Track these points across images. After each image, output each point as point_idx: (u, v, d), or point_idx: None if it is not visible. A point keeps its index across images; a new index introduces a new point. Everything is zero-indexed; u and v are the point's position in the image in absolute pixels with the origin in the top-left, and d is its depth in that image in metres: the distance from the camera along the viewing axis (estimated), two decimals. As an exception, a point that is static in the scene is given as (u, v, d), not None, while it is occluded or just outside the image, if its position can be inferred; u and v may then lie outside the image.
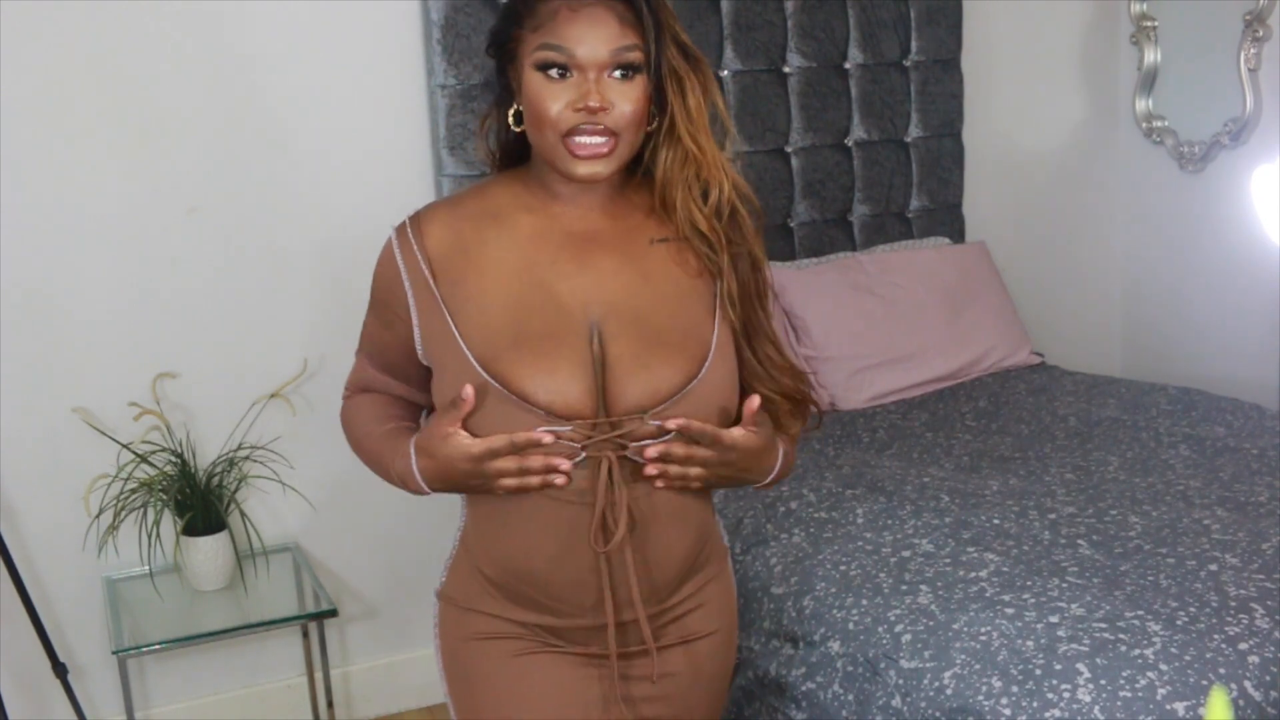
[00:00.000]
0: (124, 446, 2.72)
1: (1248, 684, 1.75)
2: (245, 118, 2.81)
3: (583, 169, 1.48)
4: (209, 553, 2.72)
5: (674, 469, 1.49)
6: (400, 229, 1.58)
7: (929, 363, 3.16)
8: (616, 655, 1.55)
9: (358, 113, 2.91)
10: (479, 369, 1.48)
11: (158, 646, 2.62)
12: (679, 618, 1.62)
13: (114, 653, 2.56)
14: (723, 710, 1.77)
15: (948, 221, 3.56)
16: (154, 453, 2.73)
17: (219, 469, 2.77)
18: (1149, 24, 3.61)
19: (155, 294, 2.79)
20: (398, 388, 1.67)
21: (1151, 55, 3.62)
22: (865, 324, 3.13)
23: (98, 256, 2.74)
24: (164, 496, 2.70)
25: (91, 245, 2.73)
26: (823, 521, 2.31)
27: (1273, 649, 1.80)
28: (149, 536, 2.66)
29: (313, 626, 2.84)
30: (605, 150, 1.47)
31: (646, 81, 1.48)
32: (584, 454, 1.47)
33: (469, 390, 1.45)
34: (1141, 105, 3.68)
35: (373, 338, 1.68)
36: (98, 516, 2.71)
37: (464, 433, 1.47)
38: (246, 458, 2.83)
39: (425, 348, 1.56)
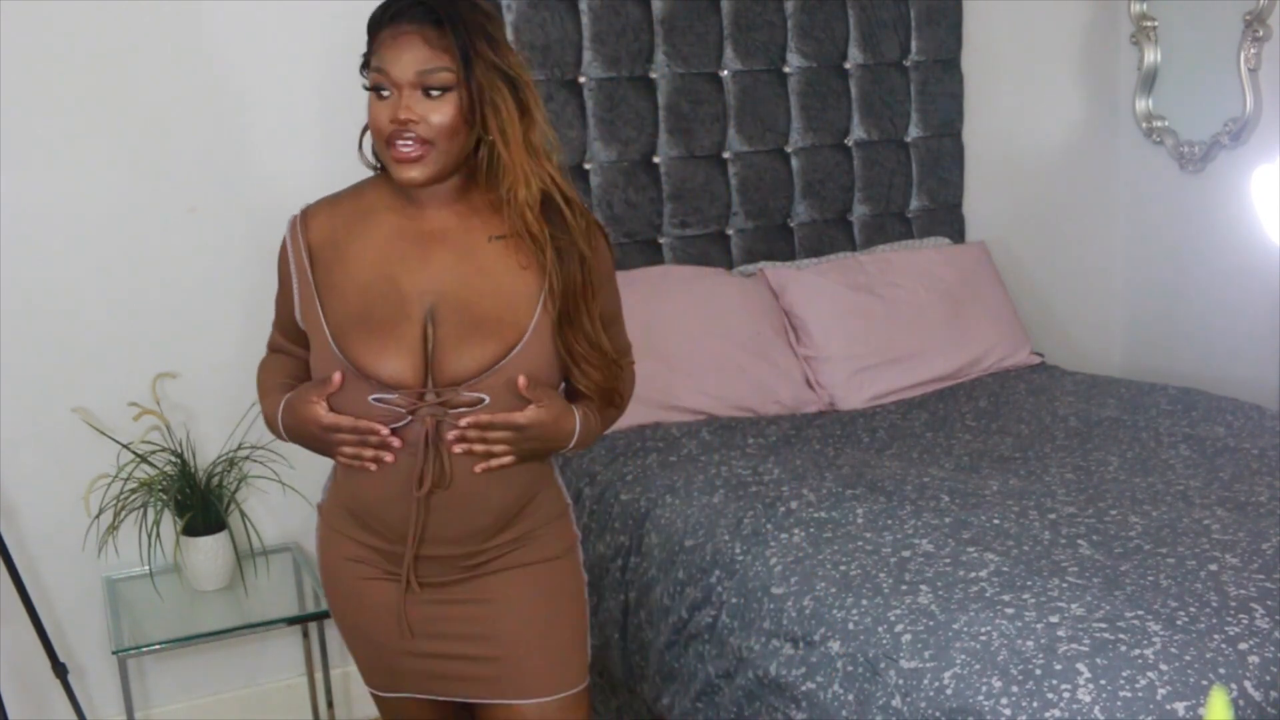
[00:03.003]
0: (124, 446, 2.72)
1: (1248, 684, 1.75)
2: (245, 118, 2.81)
3: (401, 172, 1.73)
4: (209, 553, 2.72)
5: (478, 446, 1.76)
6: (293, 220, 1.87)
7: (929, 363, 3.16)
8: (425, 583, 1.85)
9: (358, 113, 2.89)
10: (333, 346, 1.77)
11: (158, 646, 2.62)
12: (500, 556, 1.87)
13: (114, 653, 2.56)
14: (577, 650, 1.96)
15: (948, 221, 3.56)
16: (154, 453, 2.73)
17: (219, 469, 2.77)
18: (1149, 24, 3.61)
19: (155, 294, 2.79)
20: (295, 350, 1.93)
21: (1151, 55, 3.62)
22: (865, 324, 3.13)
23: (98, 256, 2.74)
24: (164, 496, 2.70)
25: (92, 245, 2.73)
26: (823, 521, 2.31)
27: (1273, 649, 1.80)
28: (149, 536, 2.66)
29: (313, 626, 2.84)
30: (415, 155, 1.71)
31: (459, 98, 1.70)
32: (410, 418, 1.75)
33: (337, 376, 1.75)
34: (1141, 105, 3.68)
35: (277, 307, 1.94)
36: (98, 516, 2.71)
37: (323, 405, 1.77)
38: (246, 458, 2.83)
39: (302, 321, 1.84)
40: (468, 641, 1.89)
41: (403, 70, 1.70)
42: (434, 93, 1.69)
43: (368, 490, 1.82)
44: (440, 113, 1.70)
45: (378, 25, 1.75)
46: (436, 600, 1.87)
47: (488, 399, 1.75)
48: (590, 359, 1.81)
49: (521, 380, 1.74)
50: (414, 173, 1.72)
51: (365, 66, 1.79)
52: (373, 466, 1.78)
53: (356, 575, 1.90)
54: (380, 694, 2.00)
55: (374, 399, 1.75)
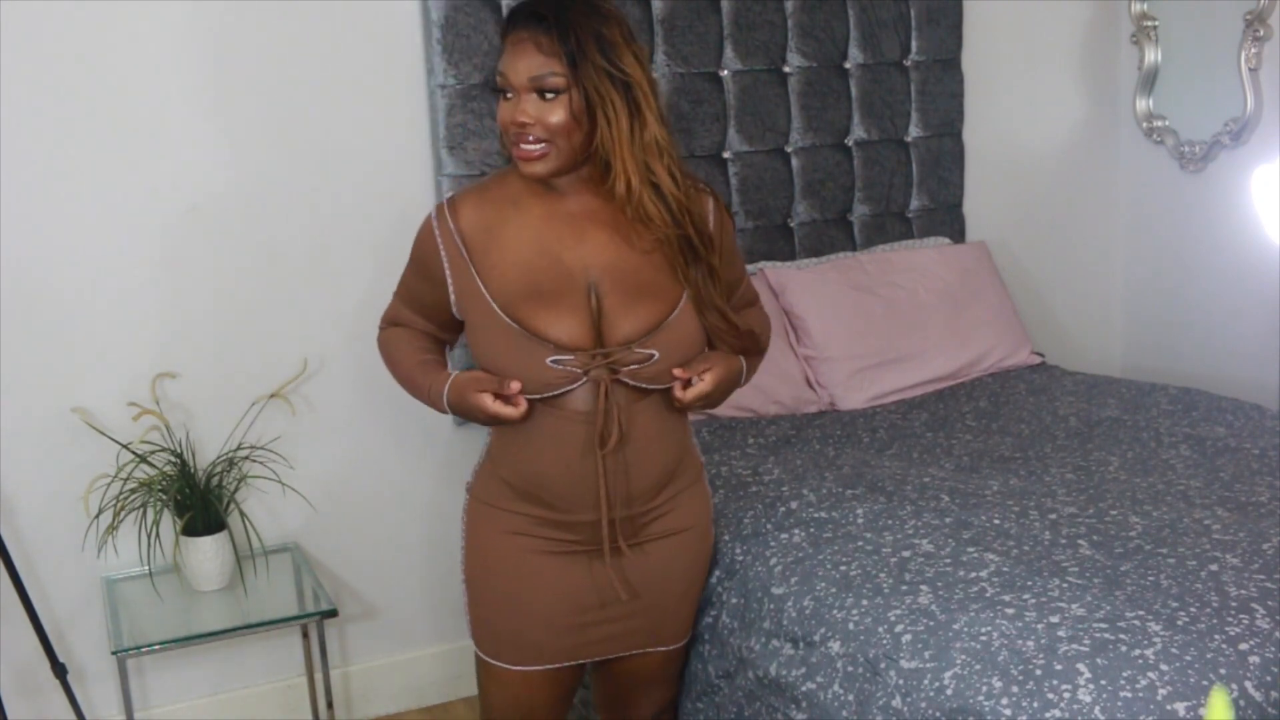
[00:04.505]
0: (123, 446, 2.72)
1: (1248, 684, 1.75)
2: (245, 117, 2.81)
3: (525, 168, 1.89)
4: (208, 553, 2.72)
5: (689, 395, 1.95)
6: (439, 209, 1.99)
7: (929, 363, 3.16)
8: (610, 547, 1.98)
9: (358, 112, 2.91)
10: (502, 315, 1.91)
11: (157, 647, 2.61)
12: (660, 517, 2.03)
13: (113, 653, 2.56)
14: (697, 604, 2.21)
15: (948, 221, 3.56)
16: (153, 453, 2.73)
17: (218, 469, 2.77)
18: (1149, 24, 3.61)
19: (155, 294, 2.79)
20: (424, 325, 2.10)
21: (1152, 55, 3.62)
22: (865, 324, 3.12)
23: (98, 256, 2.74)
24: (163, 496, 2.70)
25: (91, 245, 2.73)
26: (823, 521, 2.31)
27: (1273, 649, 1.80)
28: (148, 536, 2.66)
29: (312, 626, 2.84)
30: (537, 154, 1.87)
31: (570, 99, 1.83)
32: (585, 378, 1.90)
33: (516, 386, 1.88)
34: (1142, 105, 3.68)
35: (409, 286, 2.10)
36: (97, 517, 2.71)
37: (489, 396, 1.90)
38: (246, 458, 2.83)
39: (458, 305, 1.98)
40: (627, 604, 2.03)
41: (518, 75, 1.84)
42: (548, 95, 1.83)
43: (537, 460, 1.95)
44: (554, 114, 1.83)
45: (503, 31, 1.89)
46: (595, 570, 2.00)
47: (657, 354, 1.92)
48: (722, 333, 1.99)
49: (677, 372, 1.93)
50: (536, 168, 1.88)
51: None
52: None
53: (520, 549, 2.00)
54: (512, 668, 2.07)
55: (551, 361, 1.89)
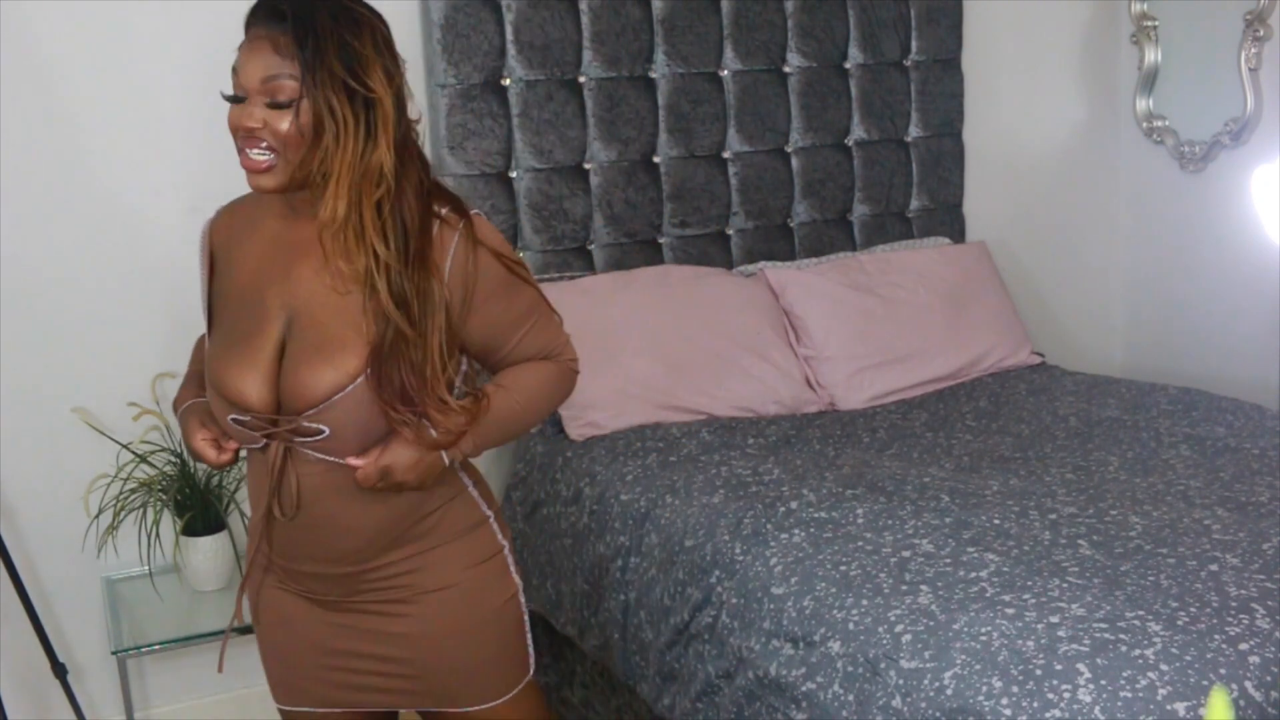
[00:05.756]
0: (124, 446, 2.72)
1: (1248, 684, 1.75)
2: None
3: (251, 180, 1.67)
4: (208, 553, 2.72)
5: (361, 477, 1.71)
6: (208, 221, 1.85)
7: (929, 363, 3.16)
8: (320, 600, 1.83)
9: (357, 112, 2.90)
10: (210, 358, 1.76)
11: (157, 647, 2.62)
12: (397, 575, 1.81)
13: (113, 653, 2.56)
14: (505, 663, 1.92)
15: (948, 221, 3.56)
16: (153, 453, 2.73)
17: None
18: (1149, 24, 3.61)
19: (155, 294, 2.79)
20: None
21: (1152, 55, 3.62)
22: (865, 324, 3.12)
23: (98, 256, 2.74)
24: (163, 496, 2.70)
25: (92, 245, 2.73)
26: (823, 521, 2.31)
27: (1273, 649, 1.80)
28: (148, 536, 2.66)
29: (312, 627, 2.83)
30: (264, 165, 1.65)
31: (299, 109, 1.61)
32: (264, 441, 1.72)
33: (233, 446, 1.78)
34: (1142, 105, 3.68)
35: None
36: (97, 516, 2.71)
37: (204, 433, 1.79)
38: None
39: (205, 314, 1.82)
40: (380, 661, 1.85)
41: (249, 76, 1.64)
42: (280, 101, 1.62)
43: (254, 506, 1.83)
44: (282, 122, 1.62)
45: (245, 26, 1.68)
46: (340, 619, 1.84)
47: (327, 431, 1.68)
48: (409, 400, 1.66)
49: (356, 468, 1.69)
50: (263, 180, 1.66)
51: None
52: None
53: (267, 584, 1.88)
54: (284, 706, 1.96)
55: (232, 419, 1.72)
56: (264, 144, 1.64)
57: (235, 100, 1.66)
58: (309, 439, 1.69)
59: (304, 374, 1.67)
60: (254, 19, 1.66)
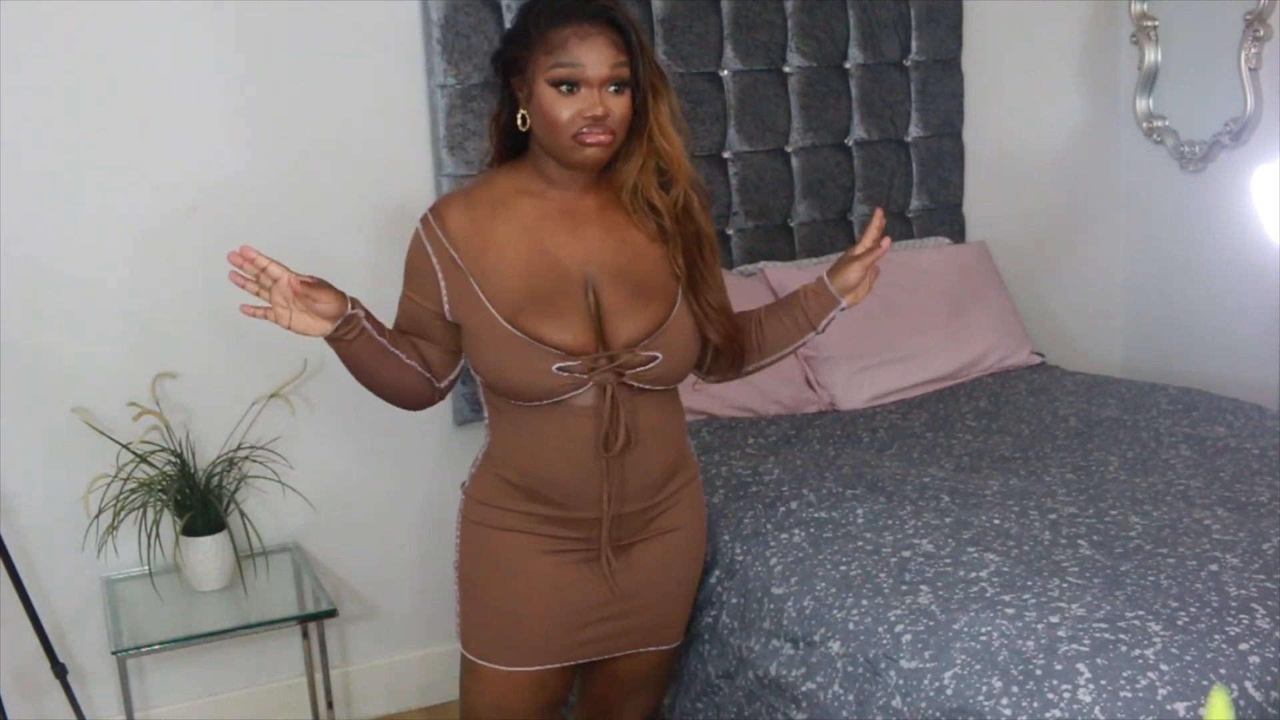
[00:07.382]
0: (124, 446, 2.72)
1: (1248, 684, 1.75)
2: (246, 117, 2.81)
3: (588, 154, 1.86)
4: (208, 553, 2.72)
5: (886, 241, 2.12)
6: (424, 219, 1.96)
7: (929, 363, 3.16)
8: (610, 546, 1.99)
9: (358, 112, 2.90)
10: (504, 323, 1.89)
11: (157, 647, 2.62)
12: (659, 514, 2.04)
13: (113, 653, 2.56)
14: (693, 603, 2.20)
15: (948, 221, 3.56)
16: (154, 453, 2.73)
17: (218, 469, 2.77)
18: (1149, 24, 3.61)
19: (155, 293, 2.79)
20: (420, 344, 2.03)
21: (1152, 55, 3.62)
22: (865, 324, 3.12)
23: (98, 256, 2.74)
24: (163, 496, 2.70)
25: (92, 244, 2.73)
26: (823, 521, 2.31)
27: (1273, 649, 1.80)
28: (148, 536, 2.66)
29: (312, 627, 2.83)
30: (606, 142, 1.86)
31: (632, 93, 1.87)
32: (590, 382, 1.89)
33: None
34: (1142, 105, 3.68)
35: (405, 308, 2.02)
36: (97, 517, 2.71)
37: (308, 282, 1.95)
38: (246, 458, 2.83)
39: (452, 309, 1.94)
40: (623, 603, 2.03)
41: (596, 68, 1.82)
42: (617, 88, 1.85)
43: (542, 458, 1.94)
44: (622, 106, 1.85)
45: (550, 23, 1.84)
46: (597, 571, 2.00)
47: (661, 356, 1.92)
48: (714, 318, 1.98)
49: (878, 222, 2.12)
50: (600, 153, 1.87)
51: (504, 60, 1.91)
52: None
53: (518, 547, 1.99)
54: (501, 669, 2.04)
55: (557, 368, 1.87)
56: (604, 127, 1.85)
57: (559, 90, 1.83)
58: (641, 368, 1.91)
59: (627, 313, 1.91)
60: (570, 17, 1.83)
